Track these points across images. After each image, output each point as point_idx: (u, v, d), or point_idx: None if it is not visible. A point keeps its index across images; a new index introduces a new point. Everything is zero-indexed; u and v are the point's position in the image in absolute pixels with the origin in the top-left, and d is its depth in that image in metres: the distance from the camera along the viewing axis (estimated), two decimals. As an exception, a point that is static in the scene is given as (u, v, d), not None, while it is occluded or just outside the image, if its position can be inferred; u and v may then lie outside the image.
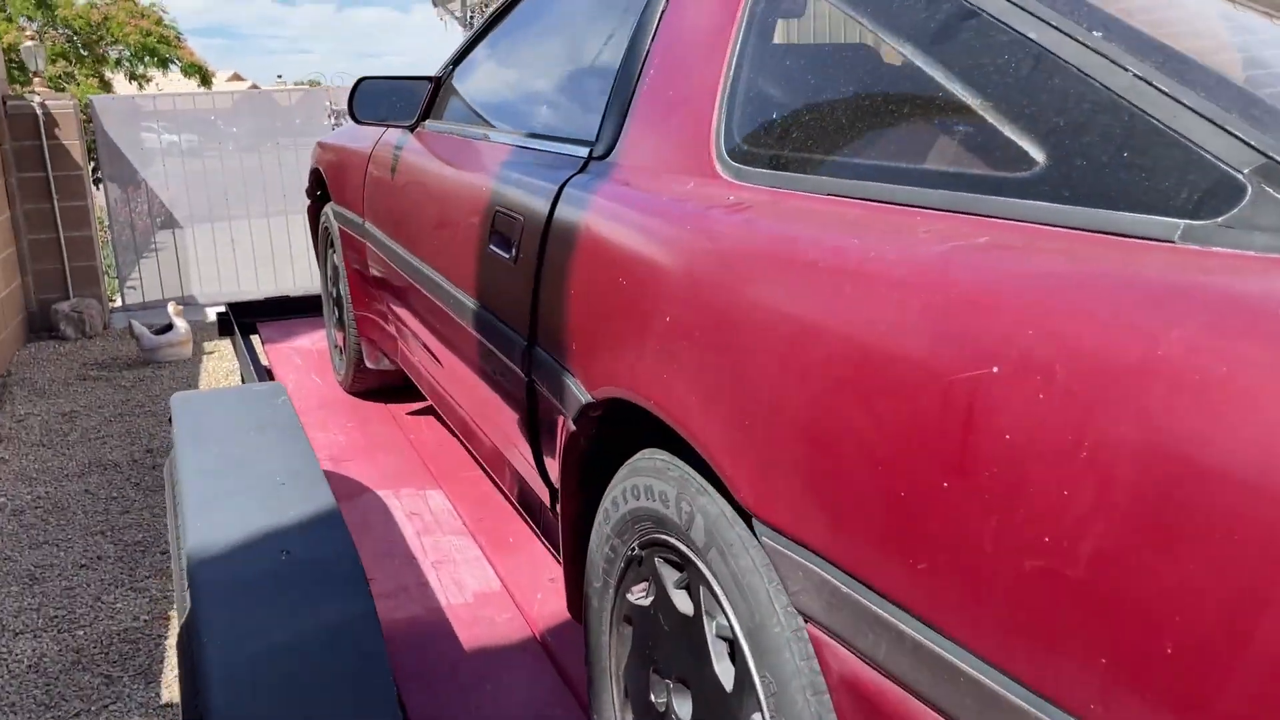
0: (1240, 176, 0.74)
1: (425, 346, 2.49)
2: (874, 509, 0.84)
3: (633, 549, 1.35)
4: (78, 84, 16.01)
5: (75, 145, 7.21)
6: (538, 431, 1.69)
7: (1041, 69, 0.92)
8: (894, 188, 1.01)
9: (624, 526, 1.35)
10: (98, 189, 8.01)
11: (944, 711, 0.80)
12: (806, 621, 0.97)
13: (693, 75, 1.40)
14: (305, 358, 4.04)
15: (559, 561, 1.77)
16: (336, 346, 3.63)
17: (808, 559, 0.93)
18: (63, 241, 7.22)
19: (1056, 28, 0.94)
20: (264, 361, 4.07)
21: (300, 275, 8.05)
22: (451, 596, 2.23)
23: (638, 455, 1.33)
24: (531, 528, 2.53)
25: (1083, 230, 0.82)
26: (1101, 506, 0.66)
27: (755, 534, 1.05)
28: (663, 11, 1.55)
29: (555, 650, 2.02)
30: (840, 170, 1.09)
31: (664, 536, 1.26)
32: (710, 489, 1.15)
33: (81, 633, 3.05)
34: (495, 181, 1.87)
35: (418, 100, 2.55)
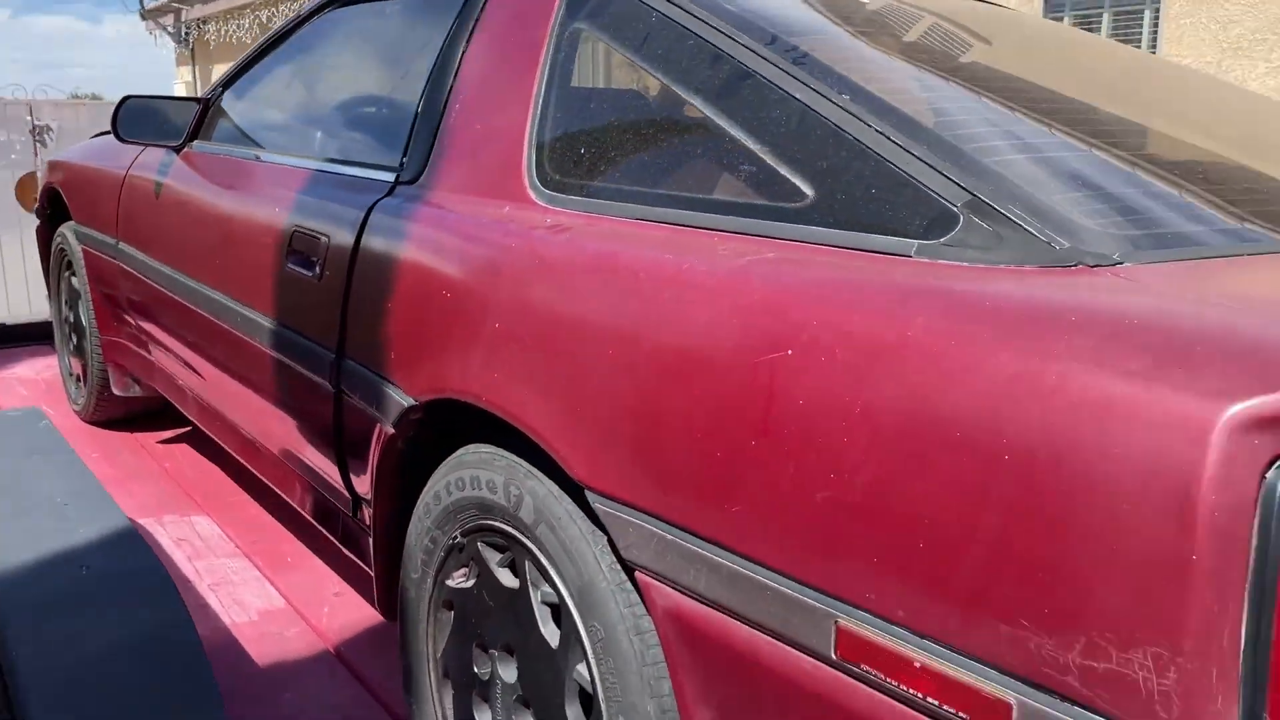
0: (955, 208, 1.02)
1: (195, 368, 2.47)
2: (694, 469, 1.05)
3: (454, 538, 1.48)
4: None
5: None
6: (344, 440, 1.78)
7: (808, 123, 1.18)
8: (693, 214, 1.23)
9: (445, 518, 1.49)
10: None
11: (751, 620, 1.01)
12: (634, 571, 1.15)
13: (502, 109, 1.57)
14: (31, 387, 3.77)
15: (362, 567, 1.86)
16: (73, 374, 3.44)
17: (637, 517, 1.12)
18: None
19: (817, 91, 1.20)
20: (-20, 392, 3.76)
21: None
22: (235, 616, 2.23)
23: (460, 451, 1.47)
24: (321, 540, 2.56)
25: (845, 248, 1.07)
26: (869, 449, 0.90)
27: (588, 504, 1.23)
28: (464, 50, 1.71)
29: (350, 657, 2.09)
30: (646, 199, 1.30)
31: (489, 521, 1.41)
32: (537, 473, 1.32)
33: None
34: (290, 203, 1.94)
35: (185, 121, 2.54)
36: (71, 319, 3.35)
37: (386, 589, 1.72)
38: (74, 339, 3.36)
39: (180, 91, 14.36)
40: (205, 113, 2.54)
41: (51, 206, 3.43)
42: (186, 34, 13.18)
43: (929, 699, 0.87)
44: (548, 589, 1.32)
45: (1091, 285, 0.89)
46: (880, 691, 0.91)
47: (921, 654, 0.87)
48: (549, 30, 1.57)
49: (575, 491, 1.27)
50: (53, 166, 3.40)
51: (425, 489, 1.54)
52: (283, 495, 2.24)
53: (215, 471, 3.04)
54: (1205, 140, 1.36)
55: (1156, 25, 6.62)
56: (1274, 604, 0.70)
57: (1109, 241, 0.97)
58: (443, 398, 1.44)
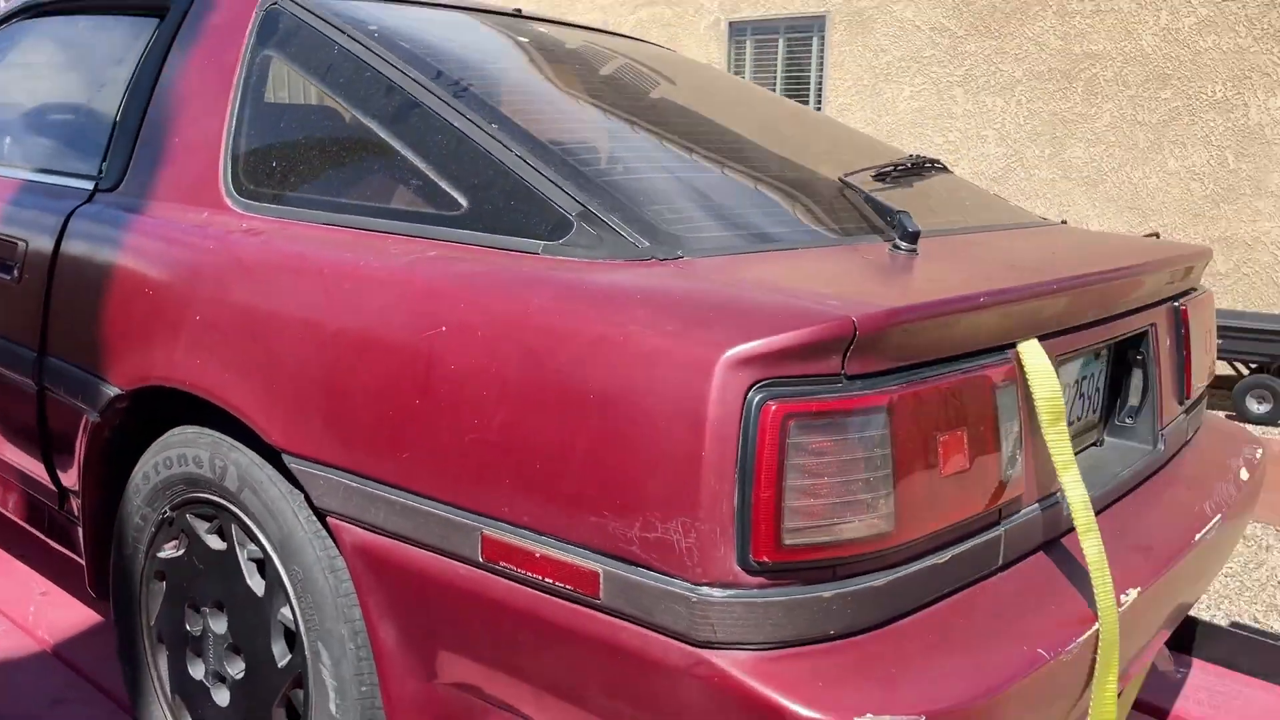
0: (570, 217, 1.33)
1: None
2: (371, 427, 1.30)
3: (164, 513, 1.64)
4: None
5: None
6: (48, 436, 1.87)
7: (463, 146, 1.45)
8: (370, 220, 1.48)
9: (155, 495, 1.64)
10: None
11: (420, 543, 1.27)
12: (326, 517, 1.39)
13: (199, 123, 1.74)
14: None
15: (72, 556, 1.95)
16: None
17: (326, 471, 1.36)
18: None
19: (471, 120, 1.48)
20: None
21: None
22: (-68, 621, 2.22)
23: (168, 433, 1.63)
24: (22, 542, 2.54)
25: (490, 248, 1.36)
26: (501, 400, 1.19)
27: (285, 468, 1.45)
28: (162, 67, 1.85)
29: (60, 648, 2.15)
30: (331, 207, 1.53)
31: (197, 494, 1.58)
32: (240, 445, 1.52)
33: None
34: (-16, 209, 1.99)
35: None
36: None
37: (98, 571, 1.83)
38: None
39: None
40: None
41: None
42: None
43: (546, 579, 1.17)
44: (253, 546, 1.52)
45: (657, 274, 1.23)
46: (515, 580, 1.20)
47: (540, 546, 1.17)
48: (241, 54, 1.75)
49: (273, 457, 1.48)
50: None
51: (134, 471, 1.68)
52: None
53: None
54: (778, 158, 1.76)
55: (823, 51, 7.48)
56: (752, 482, 1.05)
57: (677, 241, 1.31)
58: (149, 385, 1.60)
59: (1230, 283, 6.03)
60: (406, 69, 1.58)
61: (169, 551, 1.65)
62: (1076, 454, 1.63)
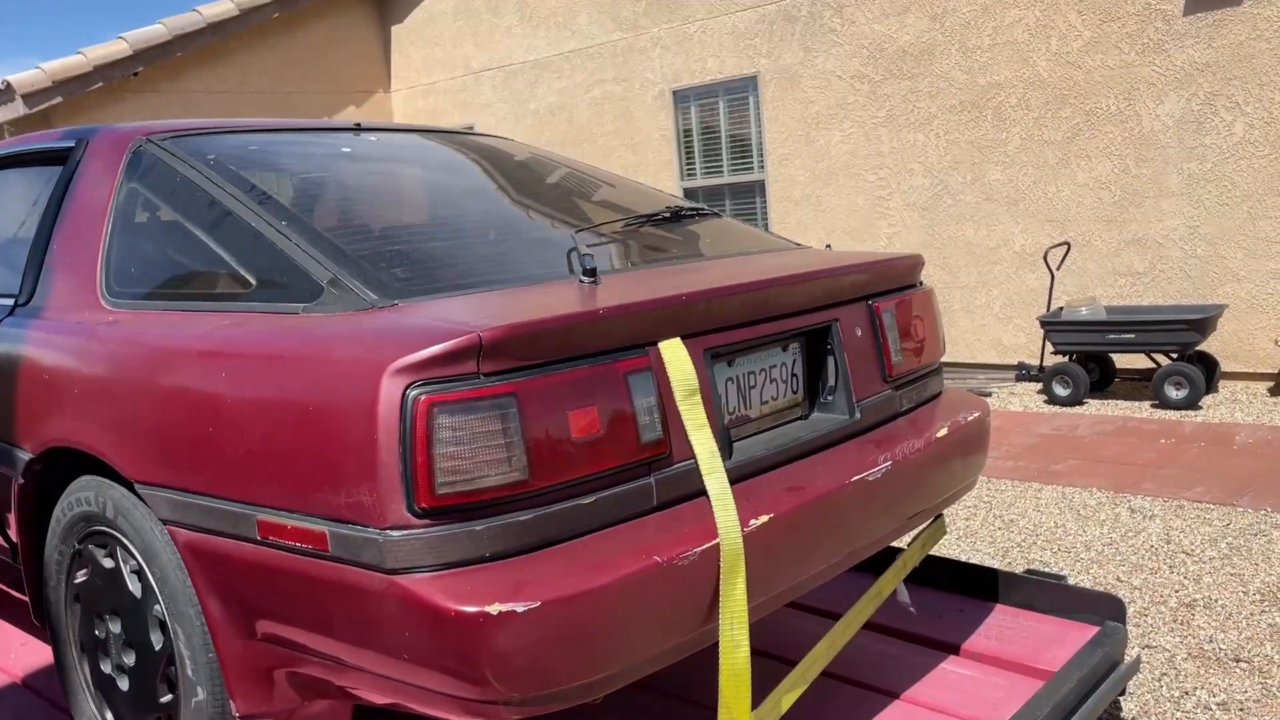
0: (323, 284, 1.80)
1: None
2: (179, 454, 1.77)
3: (74, 546, 2.11)
4: None
5: None
6: (-4, 501, 2.36)
7: (258, 240, 1.94)
8: (194, 303, 1.96)
9: (67, 533, 2.12)
10: None
11: (219, 532, 1.73)
12: (167, 525, 1.85)
13: (82, 245, 2.25)
14: None
15: (32, 620, 2.42)
16: None
17: (160, 491, 1.82)
18: None
19: (265, 219, 1.96)
20: None
21: None
22: (-72, 672, 2.69)
23: (72, 485, 2.11)
24: (17, 609, 3.02)
25: (267, 313, 1.83)
26: (249, 422, 1.65)
27: (138, 495, 1.92)
28: (62, 201, 2.38)
29: (38, 687, 2.62)
30: (167, 296, 2.02)
31: (93, 527, 2.05)
32: (114, 484, 1.99)
33: None
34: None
35: None
36: None
37: (38, 602, 2.31)
38: None
39: None
40: None
41: None
42: None
43: (297, 543, 1.62)
44: (132, 561, 1.99)
45: (372, 317, 1.69)
46: (280, 549, 1.65)
47: (290, 520, 1.62)
48: (113, 188, 2.27)
49: (133, 486, 1.95)
50: None
51: (52, 517, 2.16)
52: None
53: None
54: (521, 220, 2.23)
55: (759, 107, 8.01)
56: (410, 451, 1.50)
57: (396, 292, 1.78)
58: (49, 448, 2.09)
59: (1149, 280, 6.38)
60: (226, 186, 2.08)
61: (81, 577, 2.12)
62: (778, 426, 2.06)
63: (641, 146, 8.79)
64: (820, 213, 7.80)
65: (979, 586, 2.79)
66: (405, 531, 1.51)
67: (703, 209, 2.57)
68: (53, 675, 2.66)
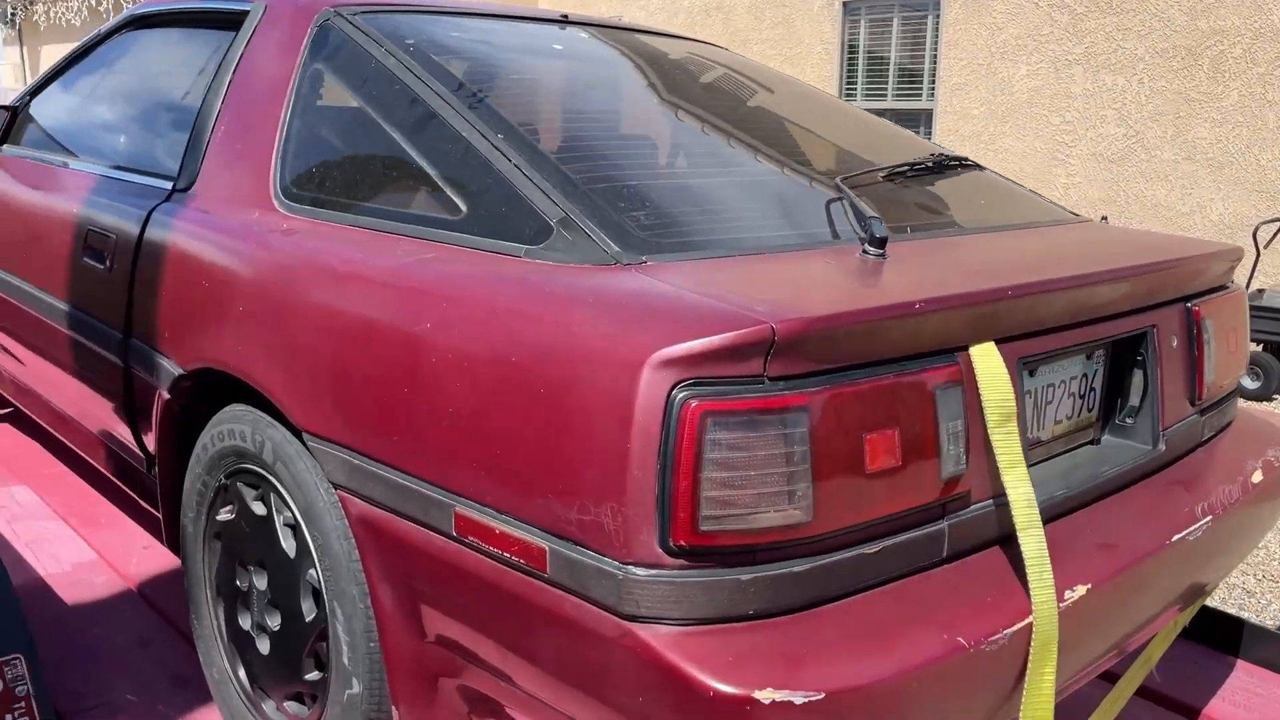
0: (551, 222, 1.45)
1: (11, 352, 2.73)
2: (368, 410, 1.46)
3: (220, 480, 1.85)
4: None
5: None
6: (135, 408, 2.11)
7: (469, 155, 1.59)
8: (385, 222, 1.63)
9: (213, 464, 1.85)
10: None
11: (405, 515, 1.42)
12: (336, 489, 1.55)
13: (255, 130, 1.93)
14: None
15: (157, 517, 2.20)
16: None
17: (337, 449, 1.52)
18: None
19: (478, 130, 1.61)
20: None
21: None
22: (50, 568, 2.52)
23: (221, 411, 1.84)
24: (132, 502, 2.85)
25: (480, 250, 1.49)
26: (472, 390, 1.32)
27: (305, 444, 1.62)
28: (232, 76, 2.06)
29: (151, 596, 2.42)
30: (354, 209, 1.69)
31: (244, 465, 1.78)
32: (275, 423, 1.70)
33: None
34: (86, 205, 2.25)
35: (-6, 126, 2.79)
36: (-112, 308, 3.51)
37: (172, 528, 2.07)
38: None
39: (8, 73, 13.86)
40: (14, 119, 2.79)
41: None
42: (13, 15, 12.72)
43: (504, 553, 1.30)
44: (287, 513, 1.71)
45: (616, 278, 1.33)
46: (479, 553, 1.34)
47: (500, 524, 1.30)
48: (295, 66, 1.93)
49: (299, 434, 1.66)
50: None
51: (197, 443, 1.89)
52: (91, 461, 2.54)
53: (34, 447, 3.28)
54: (776, 161, 1.83)
55: (938, 29, 7.33)
56: (671, 473, 1.15)
57: (644, 246, 1.41)
58: (204, 367, 1.81)
59: (1368, 271, 5.67)
60: (430, 81, 1.72)
61: (224, 515, 1.86)
62: (1067, 451, 1.66)
63: (800, 59, 8.18)
64: (992, 153, 7.16)
65: (1219, 637, 2.38)
66: (653, 571, 1.17)
67: (965, 160, 2.13)
68: (173, 588, 2.46)
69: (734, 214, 1.58)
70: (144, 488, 2.28)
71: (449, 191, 1.58)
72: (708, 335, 1.16)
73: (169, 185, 2.09)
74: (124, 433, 2.22)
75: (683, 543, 1.16)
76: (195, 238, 1.88)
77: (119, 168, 2.29)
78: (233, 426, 1.78)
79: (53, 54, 12.46)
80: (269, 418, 1.72)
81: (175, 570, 2.55)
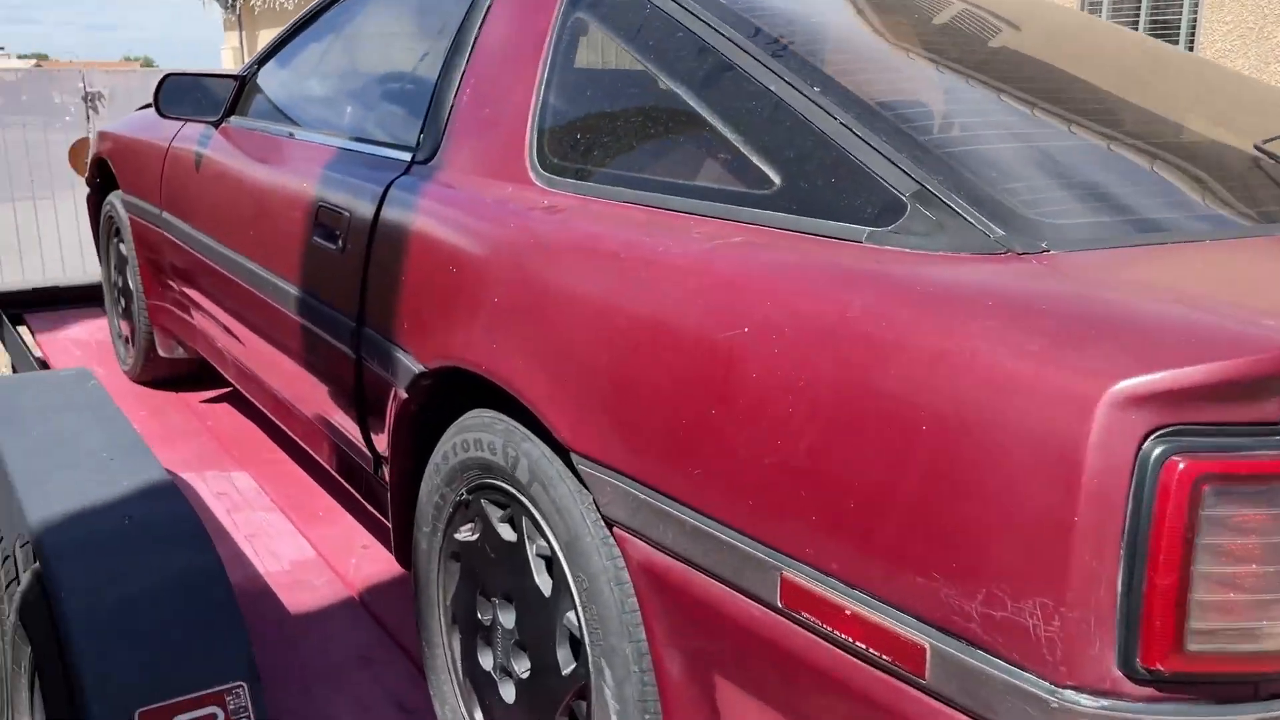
0: (904, 198, 1.10)
1: (233, 332, 2.62)
2: (662, 434, 1.15)
3: (461, 495, 1.60)
4: None
5: None
6: (365, 403, 1.91)
7: (779, 114, 1.26)
8: (671, 198, 1.32)
9: (453, 476, 1.61)
10: None
11: (710, 571, 1.11)
12: (612, 527, 1.26)
13: (507, 94, 1.67)
14: (84, 349, 3.96)
15: (384, 521, 2.00)
16: (121, 336, 3.62)
17: (614, 477, 1.23)
18: None
19: (789, 83, 1.28)
20: (37, 353, 3.95)
21: (50, 265, 7.60)
22: (269, 565, 2.38)
23: (465, 415, 1.59)
24: (351, 496, 2.70)
25: (804, 233, 1.16)
26: (810, 419, 1.00)
27: (572, 466, 1.34)
28: (478, 33, 1.80)
29: (372, 604, 2.23)
30: (630, 182, 1.39)
31: (491, 480, 1.52)
32: (531, 436, 1.43)
33: None
34: (317, 179, 2.05)
35: (223, 98, 2.66)
36: (120, 283, 3.52)
37: (403, 541, 1.85)
38: (122, 302, 3.53)
39: (228, 56, 14.59)
40: (242, 89, 2.66)
41: (101, 175, 3.59)
42: (233, 0, 13.35)
43: (857, 643, 0.97)
44: (542, 542, 1.44)
45: (1015, 272, 0.98)
46: (817, 635, 1.01)
47: (851, 602, 0.97)
48: (553, 19, 1.66)
49: (564, 453, 1.38)
50: (102, 137, 3.56)
51: (435, 450, 1.65)
52: (312, 453, 2.38)
53: (254, 430, 3.20)
54: (1162, 120, 1.42)
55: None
56: (1145, 563, 0.79)
57: (1041, 230, 1.04)
58: (449, 365, 1.56)
59: None
60: (721, 27, 1.40)
61: (465, 534, 1.61)
62: None
63: None
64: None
65: None
66: (1107, 703, 0.81)
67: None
68: (396, 598, 2.26)
69: (1133, 189, 1.19)
70: (369, 488, 2.08)
71: (755, 159, 1.26)
72: (1201, 361, 0.79)
73: (407, 157, 1.85)
74: (350, 428, 2.02)
75: (1159, 666, 0.80)
76: (439, 216, 1.64)
77: (352, 138, 2.09)
78: (480, 436, 1.52)
79: (269, 38, 13.01)
80: (525, 429, 1.45)
81: (398, 577, 2.36)
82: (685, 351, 1.13)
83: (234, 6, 13.59)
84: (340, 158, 2.05)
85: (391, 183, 1.81)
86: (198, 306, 2.87)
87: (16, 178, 7.55)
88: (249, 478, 2.86)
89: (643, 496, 1.19)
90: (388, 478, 1.89)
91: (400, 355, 1.71)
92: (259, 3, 12.20)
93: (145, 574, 1.64)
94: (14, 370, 4.21)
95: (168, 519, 1.78)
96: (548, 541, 1.41)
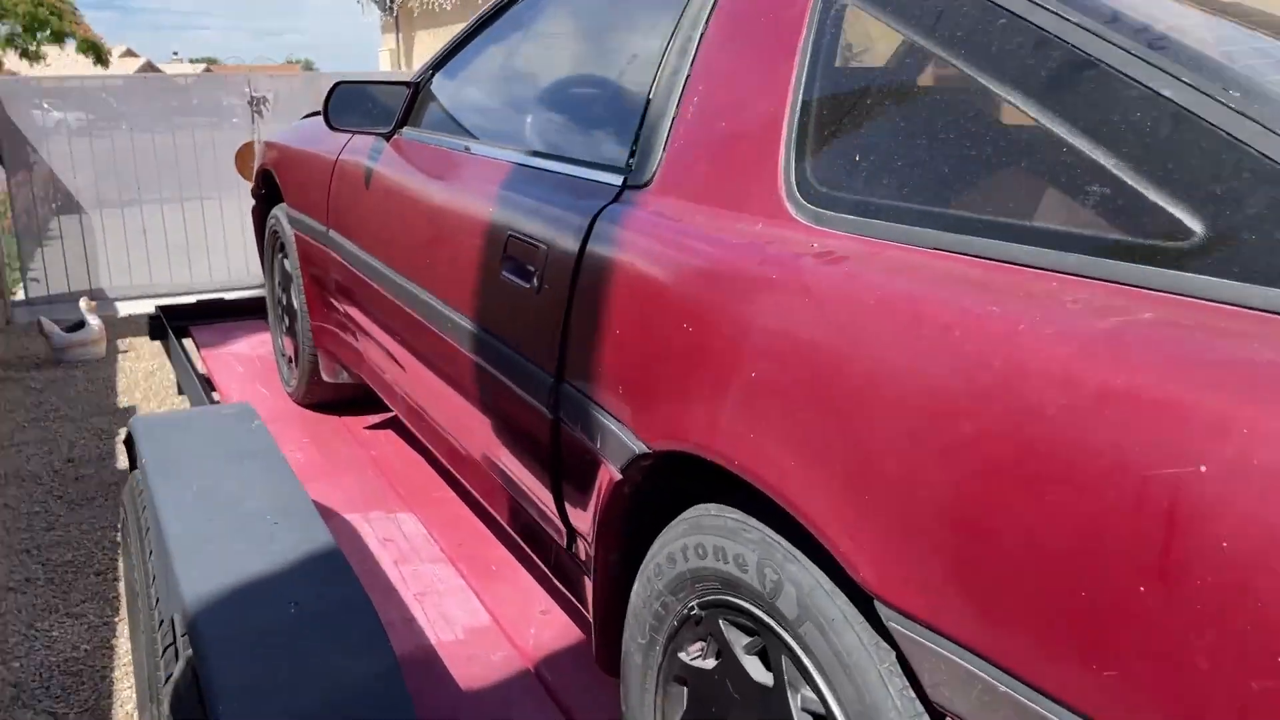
0: None
1: (402, 365, 2.38)
2: (1046, 608, 0.79)
3: (690, 608, 1.28)
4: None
5: (-25, 127, 6.78)
6: (561, 470, 1.61)
7: (1183, 129, 0.88)
8: (1019, 247, 0.95)
9: (680, 584, 1.28)
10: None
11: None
12: (945, 716, 0.91)
13: (749, 101, 1.33)
14: (247, 365, 3.85)
15: (565, 591, 1.70)
16: (285, 356, 3.47)
17: (952, 651, 0.88)
18: (-39, 231, 6.78)
19: (1190, 84, 0.90)
20: (201, 369, 3.86)
21: (216, 267, 7.73)
22: (441, 632, 2.12)
23: (698, 511, 1.26)
24: (520, 546, 2.42)
25: (1263, 311, 0.78)
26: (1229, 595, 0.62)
27: (867, 608, 1.00)
28: (705, 24, 1.47)
29: (556, 689, 1.94)
30: (949, 222, 1.03)
31: (735, 600, 1.19)
32: (800, 555, 1.09)
33: (17, 664, 2.84)
34: (505, 203, 1.77)
35: (394, 107, 2.42)
36: (284, 301, 3.36)
37: (606, 644, 1.54)
38: (286, 321, 3.37)
39: (385, 58, 14.81)
40: (415, 98, 2.42)
41: (266, 187, 3.44)
42: (391, 1, 13.52)
43: None
44: (810, 693, 1.10)
45: None
46: None
47: None
48: (809, 6, 1.31)
49: (853, 584, 1.04)
50: (268, 147, 3.41)
51: (656, 547, 1.34)
52: (490, 509, 2.11)
53: (420, 464, 2.97)
54: None
55: None
56: None
57: None
58: (682, 450, 1.23)
59: None
60: (1065, 11, 1.03)
61: (693, 657, 1.29)
62: None
63: None
64: None
65: None
66: None
67: None
68: (582, 685, 1.96)
69: None
70: (558, 562, 1.79)
71: (1152, 196, 0.88)
72: None
73: (617, 180, 1.54)
74: (540, 494, 1.73)
75: None
76: (666, 259, 1.31)
77: (545, 156, 1.80)
78: (722, 544, 1.19)
79: (426, 40, 13.10)
80: (788, 545, 1.11)
81: (581, 651, 2.06)
82: (1088, 490, 0.77)
83: (391, 8, 13.77)
84: (532, 179, 1.75)
85: (599, 212, 1.50)
86: (364, 333, 2.65)
87: (185, 179, 7.70)
88: (416, 521, 2.63)
89: (1006, 689, 0.83)
90: (584, 556, 1.59)
91: (612, 426, 1.39)
92: (417, 4, 12.30)
93: (313, 682, 1.38)
94: (179, 387, 4.15)
95: (339, 609, 1.52)
96: (821, 697, 1.07)
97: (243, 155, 7.90)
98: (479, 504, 2.70)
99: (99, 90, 7.64)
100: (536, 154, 1.83)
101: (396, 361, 2.41)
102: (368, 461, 3.00)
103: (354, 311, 2.68)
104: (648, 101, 1.54)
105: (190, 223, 7.67)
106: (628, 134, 1.57)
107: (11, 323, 6.96)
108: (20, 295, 7.36)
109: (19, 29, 15.86)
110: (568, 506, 1.64)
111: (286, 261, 3.25)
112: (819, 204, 1.18)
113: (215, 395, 3.55)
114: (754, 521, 1.16)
